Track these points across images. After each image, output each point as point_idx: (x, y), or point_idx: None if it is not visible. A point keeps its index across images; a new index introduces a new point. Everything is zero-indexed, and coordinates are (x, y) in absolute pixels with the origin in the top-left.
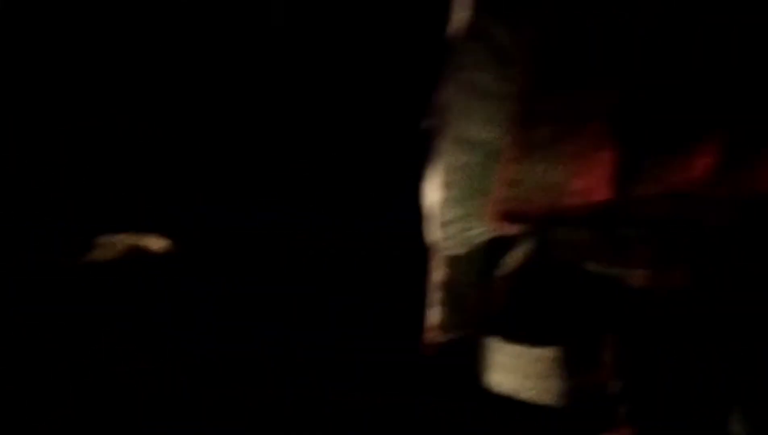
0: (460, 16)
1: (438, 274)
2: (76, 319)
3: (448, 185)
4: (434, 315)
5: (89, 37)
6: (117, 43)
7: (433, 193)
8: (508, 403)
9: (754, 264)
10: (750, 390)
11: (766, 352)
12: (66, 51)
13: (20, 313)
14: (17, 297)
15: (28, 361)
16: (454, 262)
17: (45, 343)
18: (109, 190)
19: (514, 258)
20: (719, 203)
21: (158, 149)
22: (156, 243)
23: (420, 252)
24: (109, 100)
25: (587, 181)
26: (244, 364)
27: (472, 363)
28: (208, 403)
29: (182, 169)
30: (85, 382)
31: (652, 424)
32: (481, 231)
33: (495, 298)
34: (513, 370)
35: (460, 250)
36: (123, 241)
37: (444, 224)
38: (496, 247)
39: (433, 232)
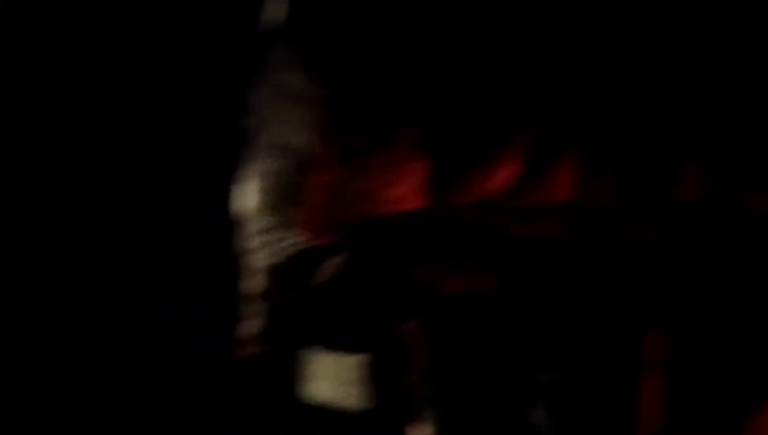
0: (271, 13)
1: (252, 284)
2: (76, 319)
3: (261, 192)
4: (249, 326)
5: (89, 37)
6: (117, 43)
7: (246, 199)
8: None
9: (559, 269)
10: (555, 386)
11: (571, 349)
12: (66, 51)
13: (20, 313)
14: (17, 297)
15: (28, 361)
16: (268, 271)
17: (45, 343)
18: (108, 190)
19: (329, 267)
20: (522, 213)
21: (158, 149)
22: None
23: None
24: (109, 100)
25: (400, 190)
26: (244, 364)
27: (287, 374)
28: (208, 403)
29: (182, 169)
30: (85, 382)
31: (456, 423)
32: (295, 240)
33: (311, 308)
34: (328, 378)
35: (275, 260)
36: None
37: (258, 233)
38: (312, 257)
39: (247, 241)
